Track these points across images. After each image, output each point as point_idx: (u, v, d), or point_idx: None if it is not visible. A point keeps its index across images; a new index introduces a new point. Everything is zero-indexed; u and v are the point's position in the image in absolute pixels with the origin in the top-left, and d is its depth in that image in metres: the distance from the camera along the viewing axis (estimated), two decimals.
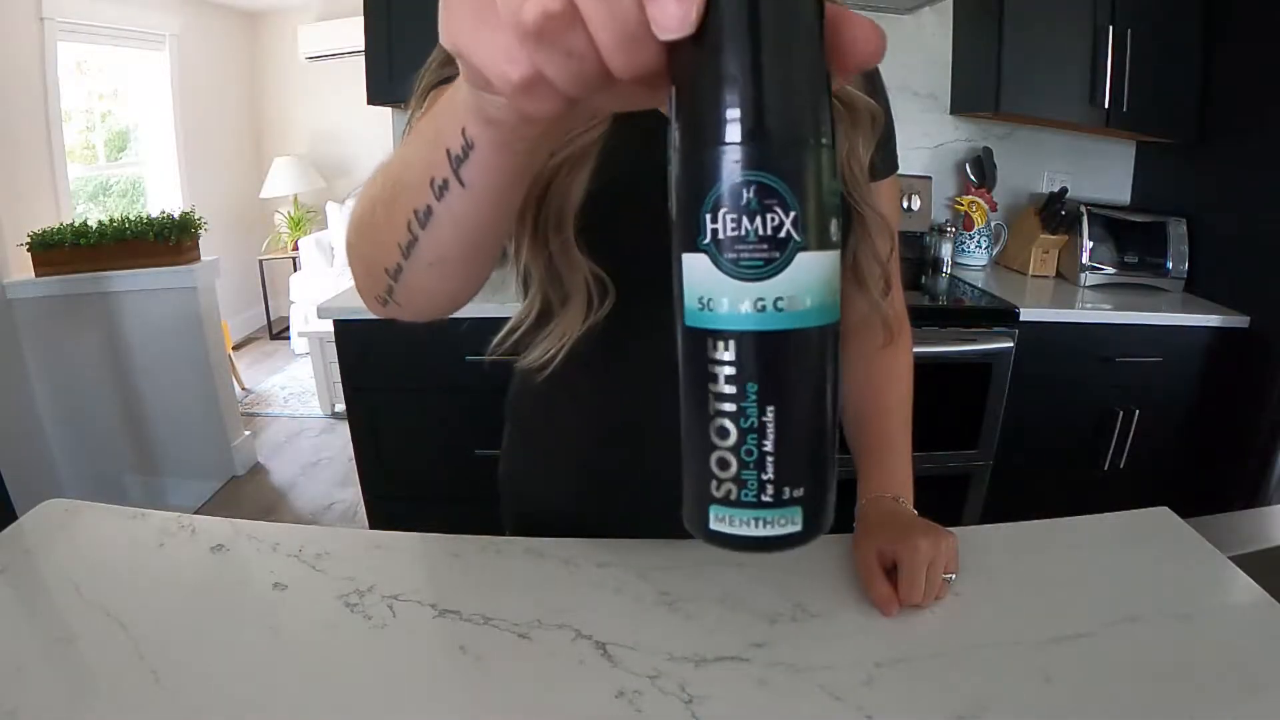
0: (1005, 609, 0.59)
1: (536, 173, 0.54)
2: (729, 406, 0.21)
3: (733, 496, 0.22)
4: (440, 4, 0.24)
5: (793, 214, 0.20)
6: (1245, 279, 1.85)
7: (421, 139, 0.35)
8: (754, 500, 0.21)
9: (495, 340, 0.62)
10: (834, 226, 0.21)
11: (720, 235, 0.20)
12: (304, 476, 2.79)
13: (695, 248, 0.20)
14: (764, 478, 0.21)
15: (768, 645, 0.54)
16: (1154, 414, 1.88)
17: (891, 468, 0.70)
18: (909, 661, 0.53)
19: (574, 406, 0.70)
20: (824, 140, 0.20)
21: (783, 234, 0.20)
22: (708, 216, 0.20)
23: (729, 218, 0.20)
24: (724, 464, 0.21)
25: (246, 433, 2.83)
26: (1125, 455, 1.90)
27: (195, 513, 2.11)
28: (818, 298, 0.20)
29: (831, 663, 0.52)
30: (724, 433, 0.21)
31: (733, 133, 0.20)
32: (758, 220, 0.20)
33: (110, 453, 2.50)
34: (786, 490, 0.21)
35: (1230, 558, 0.65)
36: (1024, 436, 1.85)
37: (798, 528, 0.22)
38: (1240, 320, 1.82)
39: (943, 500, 1.88)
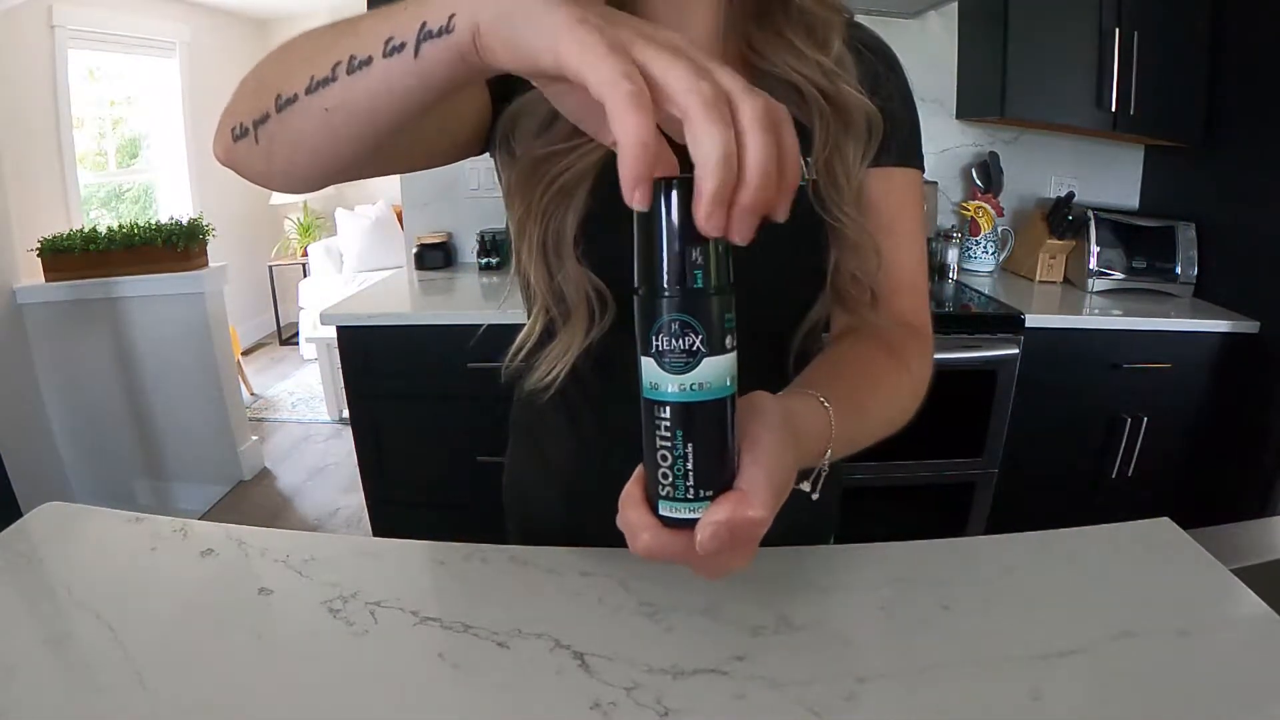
0: (995, 623, 0.58)
1: (537, 193, 0.56)
2: (667, 444, 0.34)
3: (670, 494, 0.35)
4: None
5: (700, 337, 0.32)
6: (1255, 284, 1.82)
7: (397, 7, 0.36)
8: (683, 496, 0.35)
9: (505, 363, 0.63)
10: (729, 339, 0.33)
11: (661, 349, 0.32)
12: (310, 482, 2.81)
13: (648, 354, 0.33)
14: (687, 484, 0.34)
15: (748, 658, 0.53)
16: (1163, 421, 1.85)
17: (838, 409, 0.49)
18: (892, 677, 0.52)
19: (574, 421, 0.70)
20: (726, 289, 0.32)
21: (694, 348, 0.32)
22: (654, 337, 0.32)
23: (665, 339, 0.32)
24: (665, 475, 0.35)
25: (254, 438, 2.85)
26: (1134, 463, 1.87)
27: (201, 517, 2.12)
28: (717, 384, 0.33)
29: (813, 677, 0.51)
30: (665, 458, 0.34)
31: (670, 287, 0.32)
32: (680, 341, 0.32)
33: (119, 457, 2.52)
34: (701, 491, 0.34)
35: (1233, 570, 0.64)
36: (1030, 444, 1.83)
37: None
38: (1250, 326, 1.79)
39: (947, 509, 1.86)
